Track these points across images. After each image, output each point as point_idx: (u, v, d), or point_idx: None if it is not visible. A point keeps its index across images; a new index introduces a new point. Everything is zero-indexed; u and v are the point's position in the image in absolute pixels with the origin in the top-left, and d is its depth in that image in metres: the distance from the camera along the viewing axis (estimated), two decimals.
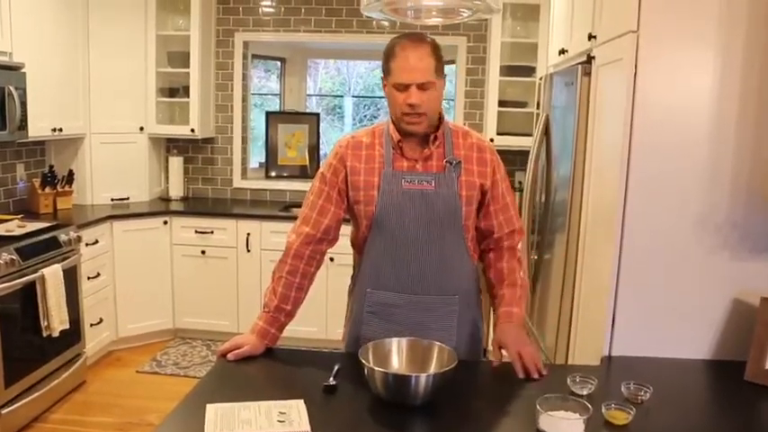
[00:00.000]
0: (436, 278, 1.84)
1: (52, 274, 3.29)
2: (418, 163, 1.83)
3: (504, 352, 1.78)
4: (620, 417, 1.49)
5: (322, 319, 4.19)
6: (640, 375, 1.68)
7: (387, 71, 1.79)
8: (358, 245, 1.93)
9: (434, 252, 1.83)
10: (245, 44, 4.93)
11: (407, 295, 1.85)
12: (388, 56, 1.79)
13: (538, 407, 1.44)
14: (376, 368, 1.52)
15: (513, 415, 1.54)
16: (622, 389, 1.62)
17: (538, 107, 3.49)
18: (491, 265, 1.95)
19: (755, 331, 1.79)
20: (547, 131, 2.94)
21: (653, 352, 1.92)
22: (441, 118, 1.86)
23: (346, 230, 1.97)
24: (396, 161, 1.83)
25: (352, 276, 2.01)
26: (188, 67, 4.56)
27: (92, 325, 3.90)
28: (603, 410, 1.49)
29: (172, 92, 4.74)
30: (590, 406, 1.44)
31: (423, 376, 1.51)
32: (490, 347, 1.86)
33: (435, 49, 1.77)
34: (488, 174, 1.86)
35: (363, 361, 1.55)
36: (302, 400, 1.51)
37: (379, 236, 1.84)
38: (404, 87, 1.74)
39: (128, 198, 4.59)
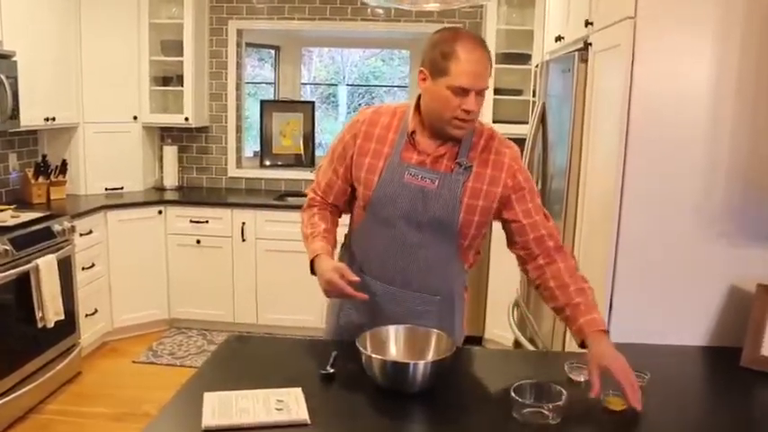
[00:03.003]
0: (420, 276, 1.80)
1: (46, 265, 3.28)
2: (428, 158, 1.75)
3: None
4: (617, 402, 1.49)
5: (318, 309, 4.18)
6: (637, 362, 1.67)
7: (441, 70, 1.64)
8: (353, 222, 1.91)
9: (422, 251, 1.78)
10: (239, 32, 4.90)
11: (388, 287, 1.81)
12: (445, 54, 1.63)
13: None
14: (374, 356, 1.52)
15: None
16: None
17: (534, 95, 3.48)
18: (543, 271, 1.75)
19: (751, 317, 1.80)
20: (543, 119, 2.93)
21: (650, 339, 1.92)
22: None
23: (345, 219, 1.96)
24: (406, 151, 1.76)
25: (340, 256, 1.96)
26: (181, 55, 4.53)
27: (87, 315, 3.88)
28: (602, 397, 1.49)
29: (165, 80, 4.70)
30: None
31: (420, 364, 1.50)
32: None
33: (489, 51, 1.68)
34: (502, 179, 1.75)
35: (361, 348, 1.54)
36: (300, 389, 1.50)
37: (370, 221, 1.82)
38: (463, 92, 1.62)
39: (122, 188, 4.57)
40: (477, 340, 4.23)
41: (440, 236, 1.77)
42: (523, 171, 1.80)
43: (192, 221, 4.40)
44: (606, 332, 1.61)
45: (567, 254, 1.78)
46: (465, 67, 1.61)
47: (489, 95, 4.34)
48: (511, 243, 1.83)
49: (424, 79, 1.70)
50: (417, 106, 1.78)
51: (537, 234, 1.76)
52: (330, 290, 1.71)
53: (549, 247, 1.76)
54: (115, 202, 4.26)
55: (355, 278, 1.69)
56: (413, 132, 1.76)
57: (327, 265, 1.73)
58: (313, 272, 1.79)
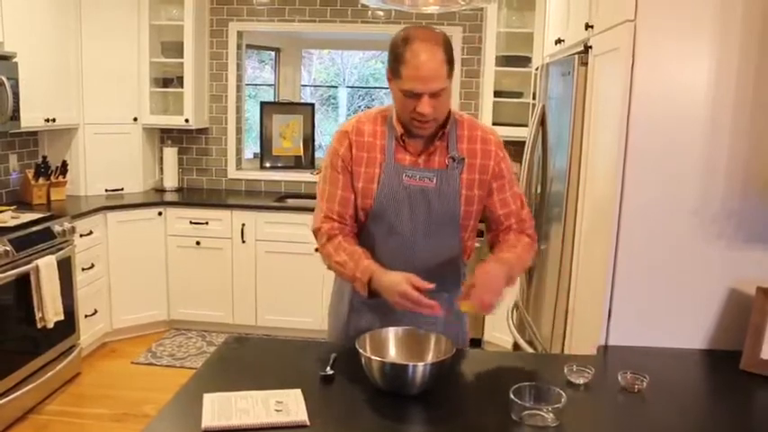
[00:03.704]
0: (429, 275, 1.78)
1: (46, 265, 3.28)
2: (421, 157, 1.77)
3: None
4: (467, 305, 1.63)
5: (318, 311, 4.19)
6: (637, 364, 1.69)
7: (395, 73, 1.65)
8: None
9: (429, 250, 1.80)
10: (239, 34, 4.91)
11: None
12: (396, 57, 1.63)
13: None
14: (373, 357, 1.52)
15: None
16: (619, 378, 1.62)
17: (534, 98, 3.49)
18: (498, 242, 1.86)
19: (751, 320, 1.80)
20: (543, 122, 2.93)
21: (649, 341, 1.93)
22: (448, 112, 1.78)
23: None
24: (397, 153, 1.78)
25: None
26: (182, 57, 4.54)
27: (86, 316, 3.89)
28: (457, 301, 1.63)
29: (165, 82, 4.71)
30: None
31: (420, 365, 1.51)
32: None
33: (448, 50, 1.64)
34: (490, 167, 1.80)
35: (360, 350, 1.54)
36: (299, 390, 1.50)
37: (374, 228, 1.82)
38: (415, 95, 1.63)
39: (122, 189, 4.58)
40: (476, 342, 4.23)
41: (444, 232, 1.80)
42: (506, 159, 1.86)
43: (191, 223, 4.40)
44: (501, 259, 1.72)
45: (525, 232, 1.87)
46: (412, 71, 1.61)
47: (489, 98, 4.35)
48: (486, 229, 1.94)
49: (389, 79, 1.72)
50: None
51: (508, 223, 1.86)
52: (403, 302, 1.60)
53: (511, 230, 1.87)
54: (115, 203, 4.26)
55: (429, 285, 1.59)
56: (402, 134, 1.77)
57: (396, 277, 1.63)
58: (370, 293, 1.70)
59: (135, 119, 4.58)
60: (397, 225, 1.78)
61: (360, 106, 7.59)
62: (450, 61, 1.65)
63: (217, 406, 1.43)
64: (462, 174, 1.78)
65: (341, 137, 1.83)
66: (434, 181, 1.76)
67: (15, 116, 3.47)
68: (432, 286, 1.61)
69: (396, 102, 1.73)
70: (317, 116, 5.37)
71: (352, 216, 1.83)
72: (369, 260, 1.73)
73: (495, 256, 1.77)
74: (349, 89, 7.67)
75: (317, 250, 1.91)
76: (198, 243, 4.41)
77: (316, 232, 1.86)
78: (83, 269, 3.84)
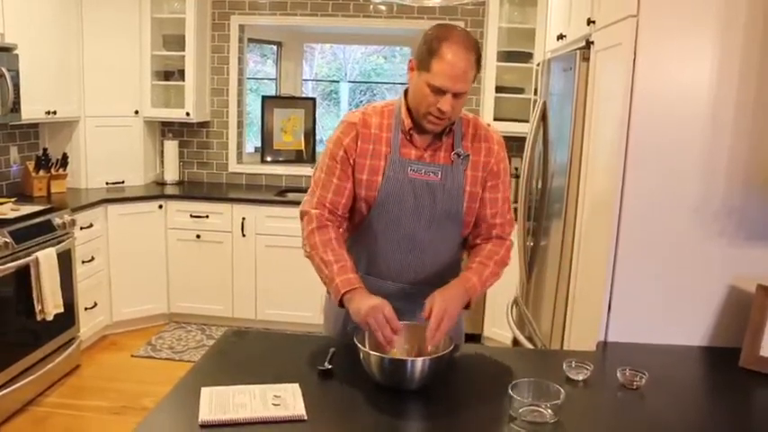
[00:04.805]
0: (429, 270, 1.83)
1: (46, 258, 3.28)
2: (426, 152, 1.78)
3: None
4: (394, 351, 1.60)
5: (317, 305, 4.19)
6: (636, 361, 1.69)
7: (425, 65, 1.66)
8: (352, 226, 1.90)
9: (430, 244, 1.81)
10: (241, 28, 4.90)
11: (399, 284, 1.84)
12: (430, 51, 1.65)
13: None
14: (372, 352, 1.52)
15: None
16: (618, 374, 1.62)
17: (535, 93, 3.48)
18: (474, 247, 1.89)
19: (750, 318, 1.80)
20: (544, 117, 2.92)
21: (649, 338, 1.93)
22: None
23: None
24: (403, 147, 1.78)
25: None
26: (183, 50, 4.53)
27: (86, 309, 3.89)
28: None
29: (167, 75, 4.70)
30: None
31: (419, 360, 1.50)
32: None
33: (478, 56, 1.68)
34: (491, 164, 1.82)
35: (359, 345, 1.54)
36: (297, 384, 1.50)
37: (376, 221, 1.82)
38: (440, 92, 1.65)
39: (123, 182, 4.58)
40: (475, 338, 4.23)
41: (447, 227, 1.81)
42: (505, 160, 1.87)
43: (192, 216, 4.40)
44: (468, 287, 1.73)
45: (504, 245, 1.87)
46: (445, 68, 1.63)
47: (491, 94, 4.34)
48: None
49: (412, 69, 1.73)
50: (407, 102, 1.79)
51: (493, 222, 1.85)
52: (372, 321, 1.59)
53: (491, 237, 1.87)
54: (116, 195, 4.26)
55: (399, 325, 1.60)
56: (410, 128, 1.78)
57: (374, 301, 1.62)
58: (341, 303, 1.70)
59: (136, 112, 4.57)
60: (399, 218, 1.78)
61: (361, 101, 7.57)
62: (478, 67, 1.69)
63: (214, 399, 1.43)
64: (467, 170, 1.80)
65: (347, 128, 1.82)
66: (439, 176, 1.77)
67: (16, 108, 3.47)
68: (401, 327, 1.60)
69: (415, 94, 1.72)
70: (318, 111, 5.37)
71: (344, 206, 1.83)
72: (353, 274, 1.72)
73: (462, 281, 1.75)
74: (350, 84, 7.65)
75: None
76: (198, 236, 4.41)
77: (303, 214, 1.85)
78: (83, 262, 3.84)
